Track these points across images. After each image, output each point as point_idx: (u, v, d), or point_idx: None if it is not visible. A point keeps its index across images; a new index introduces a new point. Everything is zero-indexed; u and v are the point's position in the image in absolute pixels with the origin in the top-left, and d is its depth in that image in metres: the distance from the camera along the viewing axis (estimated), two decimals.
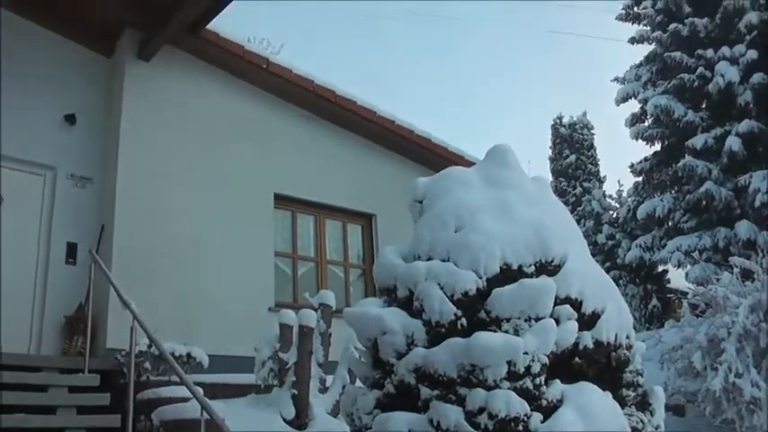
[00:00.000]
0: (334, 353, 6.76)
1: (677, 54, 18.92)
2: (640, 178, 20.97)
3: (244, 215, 9.04)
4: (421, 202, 3.66)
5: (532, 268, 3.23)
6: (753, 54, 17.62)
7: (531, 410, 2.86)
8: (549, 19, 45.31)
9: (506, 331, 3.03)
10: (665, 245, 18.58)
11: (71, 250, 8.15)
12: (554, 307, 3.12)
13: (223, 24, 8.87)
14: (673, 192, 19.62)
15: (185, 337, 7.13)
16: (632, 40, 21.00)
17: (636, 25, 21.31)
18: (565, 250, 3.34)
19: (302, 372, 6.28)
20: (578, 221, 20.22)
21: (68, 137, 8.45)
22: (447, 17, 45.96)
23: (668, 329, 10.19)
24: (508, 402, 2.82)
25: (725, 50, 18.13)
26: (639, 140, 20.20)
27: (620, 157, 48.09)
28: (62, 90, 8.52)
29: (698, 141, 18.06)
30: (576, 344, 3.16)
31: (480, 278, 3.15)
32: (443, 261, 3.26)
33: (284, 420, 6.06)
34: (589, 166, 28.17)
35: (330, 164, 10.21)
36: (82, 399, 6.33)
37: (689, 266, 17.54)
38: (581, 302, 3.25)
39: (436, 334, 3.11)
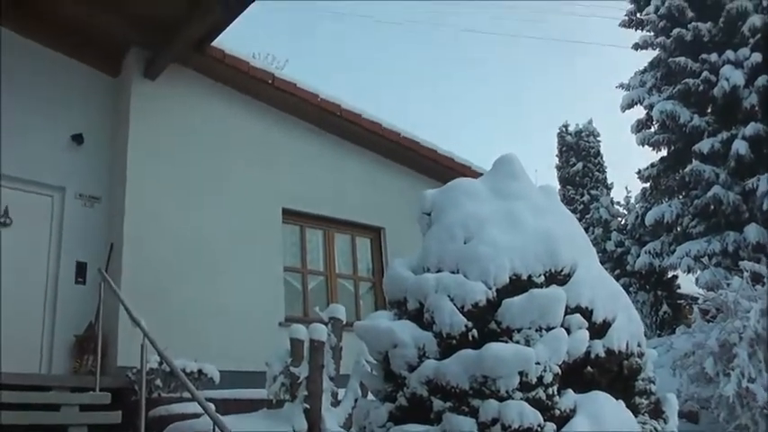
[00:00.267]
0: (346, 366, 6.74)
1: (681, 59, 18.93)
2: (648, 184, 20.94)
3: (252, 231, 9.04)
4: (429, 214, 3.67)
5: (542, 278, 3.24)
6: (757, 57, 17.61)
7: (545, 421, 2.86)
8: (552, 27, 45.36)
9: (517, 342, 3.03)
10: (675, 250, 18.51)
11: (81, 269, 8.16)
12: (565, 316, 3.13)
13: (227, 40, 8.91)
14: (680, 197, 19.54)
15: (196, 354, 7.14)
16: (636, 47, 21.04)
17: (639, 31, 21.35)
18: (574, 259, 3.34)
19: (314, 386, 6.26)
20: (586, 229, 20.25)
21: (76, 156, 8.48)
22: (450, 25, 46.12)
23: (679, 335, 10.11)
24: (521, 413, 2.82)
25: (729, 54, 18.13)
26: (646, 146, 20.18)
27: (626, 164, 47.92)
28: (69, 110, 8.56)
29: (704, 146, 18.03)
30: (588, 353, 3.16)
31: (490, 289, 3.16)
32: (453, 273, 3.27)
33: None
34: (596, 173, 28.15)
35: (337, 178, 10.23)
36: (93, 417, 6.30)
37: (699, 272, 17.45)
38: (591, 311, 3.25)
39: (447, 346, 3.12)
